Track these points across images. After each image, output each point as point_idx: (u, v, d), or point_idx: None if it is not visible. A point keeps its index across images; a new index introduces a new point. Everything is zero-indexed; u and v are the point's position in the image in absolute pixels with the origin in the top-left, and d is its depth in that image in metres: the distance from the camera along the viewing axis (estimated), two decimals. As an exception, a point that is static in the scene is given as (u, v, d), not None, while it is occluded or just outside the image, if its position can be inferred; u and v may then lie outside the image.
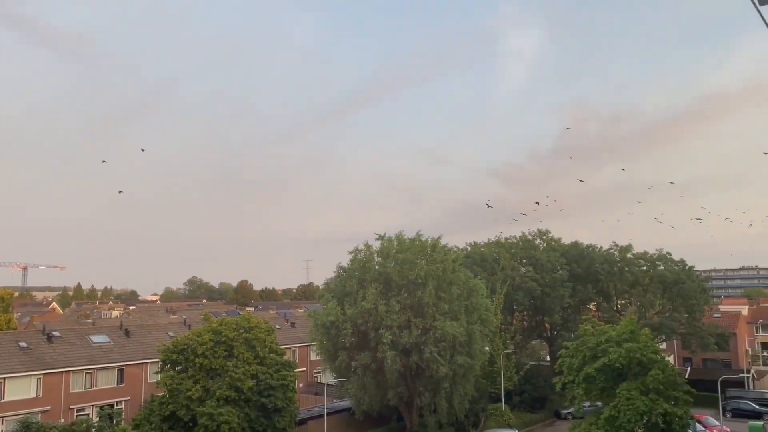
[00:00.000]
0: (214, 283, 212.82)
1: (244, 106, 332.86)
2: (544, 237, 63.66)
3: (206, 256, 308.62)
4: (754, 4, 3.35)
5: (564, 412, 51.72)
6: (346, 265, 41.75)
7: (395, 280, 38.93)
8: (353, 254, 41.64)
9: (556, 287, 57.45)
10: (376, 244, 41.71)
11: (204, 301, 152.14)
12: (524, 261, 61.71)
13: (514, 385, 49.72)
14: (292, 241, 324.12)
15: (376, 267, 40.48)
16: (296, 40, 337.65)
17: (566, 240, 64.01)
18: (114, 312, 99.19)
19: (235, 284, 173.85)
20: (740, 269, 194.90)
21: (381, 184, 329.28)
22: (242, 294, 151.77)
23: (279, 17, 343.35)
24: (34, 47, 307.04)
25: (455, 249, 49.54)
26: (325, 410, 38.22)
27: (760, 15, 3.37)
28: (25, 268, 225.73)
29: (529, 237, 63.84)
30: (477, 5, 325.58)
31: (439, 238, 42.55)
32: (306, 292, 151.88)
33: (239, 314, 52.18)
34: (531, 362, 57.92)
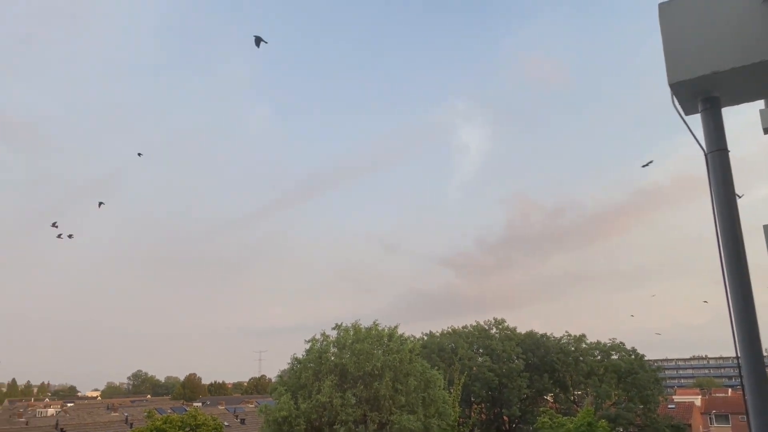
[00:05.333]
0: (161, 376, 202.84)
1: (192, 194, 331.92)
2: (500, 326, 63.83)
3: (152, 349, 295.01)
4: (680, 114, 3.75)
5: None
6: (301, 356, 40.64)
7: (351, 372, 37.97)
8: (310, 344, 40.67)
9: (513, 377, 57.01)
10: (333, 334, 40.97)
11: (148, 396, 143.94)
12: (481, 350, 61.43)
13: (473, 482, 48.06)
14: (243, 331, 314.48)
15: (332, 358, 39.52)
16: (249, 130, 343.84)
17: (521, 329, 64.33)
18: (50, 410, 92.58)
19: (182, 378, 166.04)
20: (691, 359, 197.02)
21: (335, 271, 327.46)
22: (190, 389, 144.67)
23: (232, 108, 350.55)
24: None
25: (412, 338, 49.08)
26: None
27: (685, 123, 3.75)
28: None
29: (485, 326, 63.92)
30: (429, 99, 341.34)
31: (395, 327, 42.08)
32: (258, 386, 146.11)
33: (186, 411, 49.55)
34: (490, 457, 56.38)
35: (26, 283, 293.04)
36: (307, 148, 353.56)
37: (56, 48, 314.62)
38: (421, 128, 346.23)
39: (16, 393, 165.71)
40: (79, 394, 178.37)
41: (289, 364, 41.54)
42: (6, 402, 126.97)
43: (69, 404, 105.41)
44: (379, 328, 41.34)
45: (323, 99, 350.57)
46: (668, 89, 3.56)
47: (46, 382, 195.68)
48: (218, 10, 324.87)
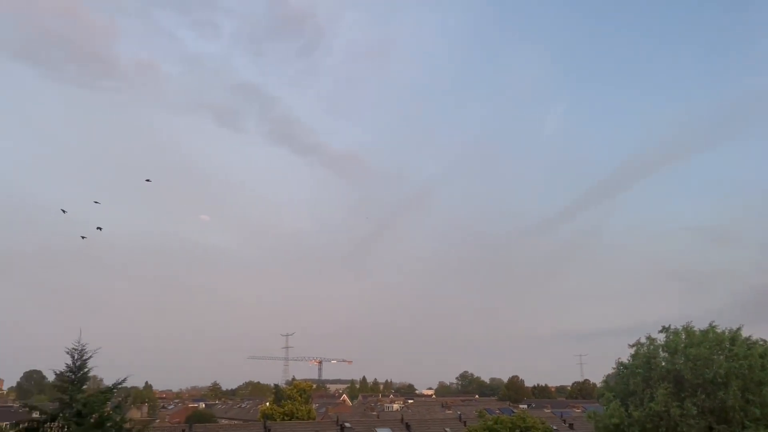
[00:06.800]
0: (485, 377, 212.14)
1: (497, 199, 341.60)
2: None
3: (476, 350, 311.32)
4: None
5: None
6: (627, 361, 38.28)
7: (688, 379, 34.31)
8: (635, 348, 38.10)
9: None
10: (660, 337, 37.65)
11: (476, 396, 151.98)
12: None
13: None
14: (560, 334, 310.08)
15: (663, 363, 36.30)
16: (545, 129, 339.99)
17: None
18: (394, 405, 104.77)
19: (505, 379, 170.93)
20: None
21: (653, 269, 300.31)
22: (514, 390, 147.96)
23: (527, 110, 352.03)
24: (320, 169, 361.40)
25: (761, 342, 42.15)
26: None
27: None
28: (320, 363, 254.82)
29: None
30: (751, 65, 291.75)
31: (738, 329, 36.71)
32: (582, 390, 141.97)
33: (513, 412, 50.93)
34: None
35: (364, 291, 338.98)
36: (609, 141, 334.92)
37: (367, 83, 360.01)
38: (742, 100, 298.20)
39: (366, 389, 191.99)
40: (416, 391, 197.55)
41: (613, 368, 39.48)
42: (360, 397, 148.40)
43: (409, 401, 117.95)
44: (717, 331, 36.60)
45: (621, 86, 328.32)
46: None
47: (389, 380, 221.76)
48: (504, 18, 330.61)
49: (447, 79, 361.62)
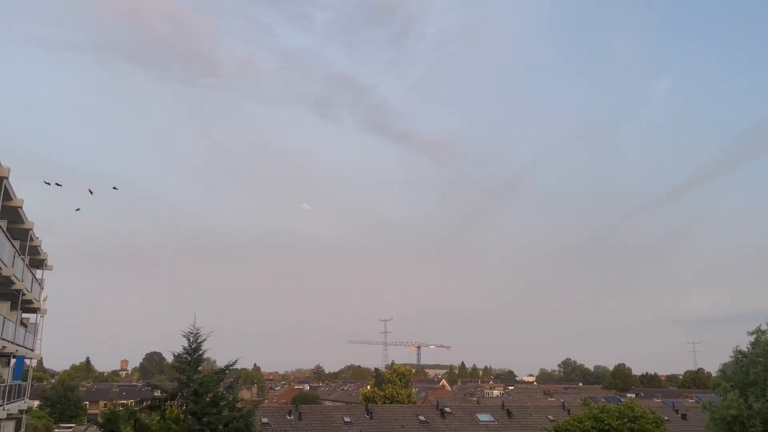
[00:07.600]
0: (589, 365, 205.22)
1: (598, 181, 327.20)
2: None
3: (579, 337, 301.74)
4: None
5: None
6: (746, 349, 35.77)
7: (816, 369, 31.62)
8: (755, 336, 35.52)
9: None
10: (784, 324, 34.86)
11: (580, 384, 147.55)
12: None
13: None
14: (670, 320, 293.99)
15: (788, 352, 33.62)
16: (651, 104, 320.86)
17: None
18: (494, 391, 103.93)
19: (611, 367, 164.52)
20: None
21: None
22: (620, 378, 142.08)
23: (630, 85, 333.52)
24: (414, 155, 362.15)
25: None
26: None
27: None
28: (418, 348, 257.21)
29: None
30: None
31: None
32: (695, 380, 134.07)
33: (620, 401, 49.03)
34: None
35: (460, 276, 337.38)
36: (722, 115, 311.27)
37: (460, 67, 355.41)
38: None
39: (465, 374, 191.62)
40: (516, 378, 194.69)
41: (731, 357, 37.05)
42: (459, 382, 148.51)
43: (510, 387, 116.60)
44: None
45: (735, 55, 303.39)
46: None
47: (488, 366, 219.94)
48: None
49: (543, 56, 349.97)
